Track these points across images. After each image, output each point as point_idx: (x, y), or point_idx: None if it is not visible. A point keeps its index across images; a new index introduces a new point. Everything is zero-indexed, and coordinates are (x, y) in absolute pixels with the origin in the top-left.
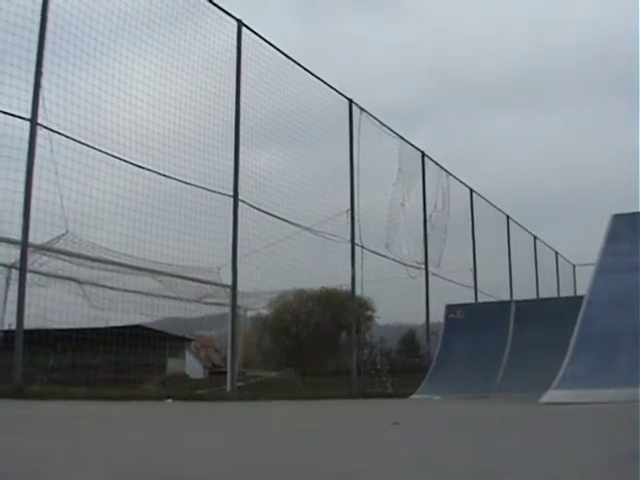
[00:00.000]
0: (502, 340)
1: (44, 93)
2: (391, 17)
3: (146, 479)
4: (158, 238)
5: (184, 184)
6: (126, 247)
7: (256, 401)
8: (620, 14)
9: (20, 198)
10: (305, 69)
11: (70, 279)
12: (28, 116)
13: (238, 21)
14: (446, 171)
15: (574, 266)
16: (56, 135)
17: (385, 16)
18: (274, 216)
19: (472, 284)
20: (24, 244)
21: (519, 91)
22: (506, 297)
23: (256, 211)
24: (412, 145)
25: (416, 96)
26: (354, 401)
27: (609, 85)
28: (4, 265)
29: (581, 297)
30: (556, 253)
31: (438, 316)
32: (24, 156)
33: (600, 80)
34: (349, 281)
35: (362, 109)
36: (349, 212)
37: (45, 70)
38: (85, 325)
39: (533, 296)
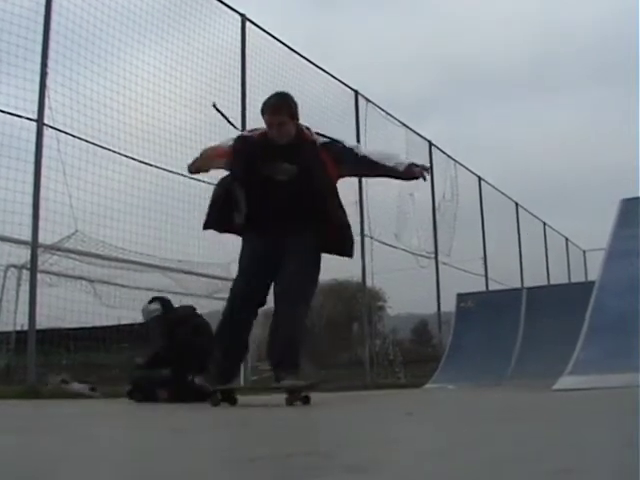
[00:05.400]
0: (514, 327)
1: (50, 93)
2: (400, 7)
3: (164, 479)
4: (168, 234)
5: (192, 180)
6: (136, 244)
7: (270, 395)
8: None
9: (29, 199)
10: (310, 62)
11: (81, 278)
12: (34, 117)
13: (242, 15)
14: (454, 160)
15: (584, 252)
16: (63, 135)
17: (394, 6)
18: None
19: (483, 272)
20: (34, 244)
21: (528, 78)
22: (517, 284)
23: None
24: (419, 135)
25: (425, 86)
26: (368, 392)
27: (623, 69)
28: (15, 266)
29: (592, 282)
30: (566, 239)
31: (449, 305)
32: (31, 157)
33: (612, 64)
34: (359, 273)
35: (368, 100)
36: (357, 203)
37: (50, 70)
38: (97, 324)
39: (544, 282)
